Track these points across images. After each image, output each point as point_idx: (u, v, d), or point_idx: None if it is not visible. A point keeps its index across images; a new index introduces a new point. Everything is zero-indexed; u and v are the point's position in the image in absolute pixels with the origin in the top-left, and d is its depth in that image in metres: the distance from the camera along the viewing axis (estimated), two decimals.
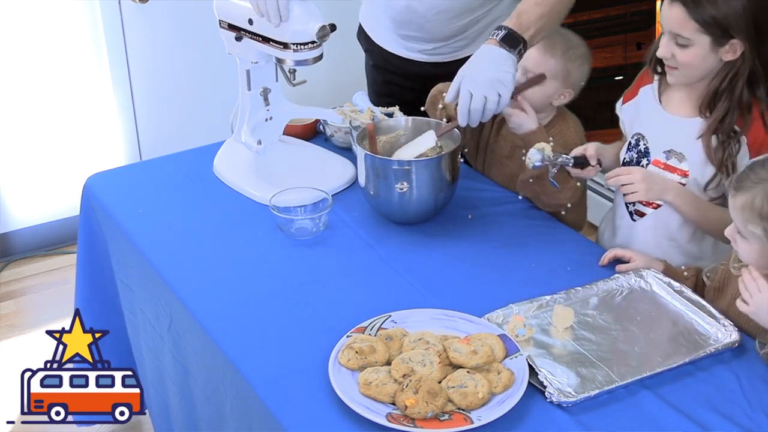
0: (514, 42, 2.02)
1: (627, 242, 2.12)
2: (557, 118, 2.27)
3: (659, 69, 2.05)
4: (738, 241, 1.72)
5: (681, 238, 2.06)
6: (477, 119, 2.02)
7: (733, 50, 1.91)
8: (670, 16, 1.93)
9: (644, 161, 2.08)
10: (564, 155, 2.05)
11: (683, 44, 1.92)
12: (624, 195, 2.03)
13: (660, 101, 2.07)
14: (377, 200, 2.14)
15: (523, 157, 2.06)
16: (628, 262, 1.97)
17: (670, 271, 1.95)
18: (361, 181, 2.15)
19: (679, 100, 2.04)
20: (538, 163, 2.03)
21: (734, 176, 1.80)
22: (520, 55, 2.04)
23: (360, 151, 2.12)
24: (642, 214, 2.10)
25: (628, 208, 2.13)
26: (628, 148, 2.13)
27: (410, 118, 2.24)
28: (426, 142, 2.13)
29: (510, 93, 2.01)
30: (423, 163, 2.07)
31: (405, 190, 2.06)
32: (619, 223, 2.16)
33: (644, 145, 2.08)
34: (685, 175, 2.02)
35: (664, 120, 2.06)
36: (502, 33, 2.03)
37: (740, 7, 1.87)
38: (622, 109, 2.17)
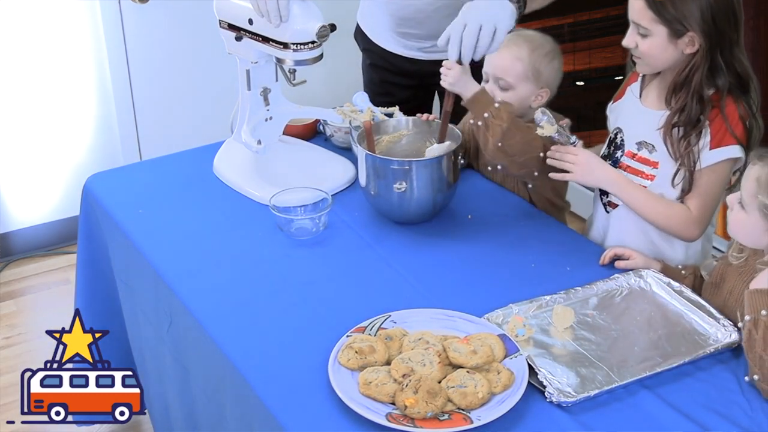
0: None
1: (604, 233, 2.15)
2: None
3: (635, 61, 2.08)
4: (735, 210, 1.73)
5: (652, 231, 2.06)
6: (469, 48, 1.99)
7: (691, 43, 1.93)
8: (631, 6, 1.96)
9: (618, 153, 2.09)
10: (571, 137, 2.06)
11: (643, 34, 1.95)
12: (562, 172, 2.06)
13: (641, 96, 2.09)
14: (377, 200, 2.14)
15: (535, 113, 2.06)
16: (627, 259, 1.98)
17: (668, 271, 1.95)
18: (362, 181, 2.15)
19: (656, 94, 2.06)
20: (542, 122, 2.03)
21: (762, 149, 1.81)
22: (518, 10, 2.03)
23: (360, 151, 2.12)
24: (615, 206, 2.11)
25: (602, 200, 2.15)
26: (607, 144, 2.15)
27: (410, 118, 2.24)
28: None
29: (507, 27, 1.98)
30: (423, 163, 2.07)
31: (405, 190, 2.06)
32: (596, 214, 2.19)
33: (620, 138, 2.10)
34: (655, 166, 2.03)
35: (639, 113, 2.08)
36: None
37: (696, 3, 1.89)
38: (611, 108, 2.19)
